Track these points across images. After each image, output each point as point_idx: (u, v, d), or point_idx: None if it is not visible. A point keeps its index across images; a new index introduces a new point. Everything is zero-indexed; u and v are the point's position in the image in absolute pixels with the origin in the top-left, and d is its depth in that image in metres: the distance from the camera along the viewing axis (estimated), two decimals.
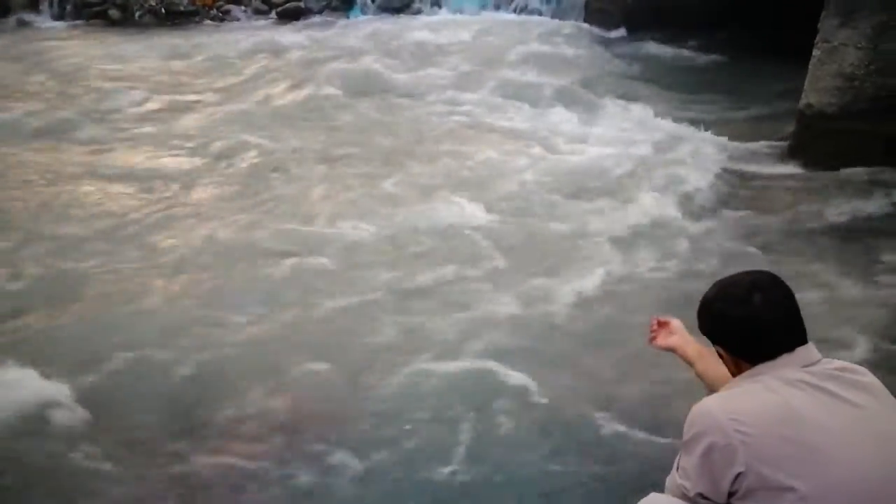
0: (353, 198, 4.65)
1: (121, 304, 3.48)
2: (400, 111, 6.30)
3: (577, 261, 3.89)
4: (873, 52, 4.79)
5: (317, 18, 9.48)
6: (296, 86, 6.86)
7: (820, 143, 5.12)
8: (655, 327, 1.95)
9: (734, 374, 1.55)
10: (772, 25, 8.03)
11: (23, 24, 9.04)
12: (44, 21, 9.15)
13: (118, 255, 3.92)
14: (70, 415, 2.73)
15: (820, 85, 5.12)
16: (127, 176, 4.97)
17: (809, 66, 5.19)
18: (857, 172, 4.84)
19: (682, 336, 1.90)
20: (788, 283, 1.54)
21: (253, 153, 5.31)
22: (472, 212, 4.39)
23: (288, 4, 9.55)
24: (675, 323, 1.93)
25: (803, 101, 5.23)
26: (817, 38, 5.10)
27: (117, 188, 4.80)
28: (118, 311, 3.42)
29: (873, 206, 4.48)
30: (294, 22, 9.33)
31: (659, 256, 3.94)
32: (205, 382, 2.94)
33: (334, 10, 9.67)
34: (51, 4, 9.27)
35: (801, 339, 1.49)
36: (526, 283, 3.66)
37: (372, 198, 4.64)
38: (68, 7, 9.29)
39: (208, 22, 9.37)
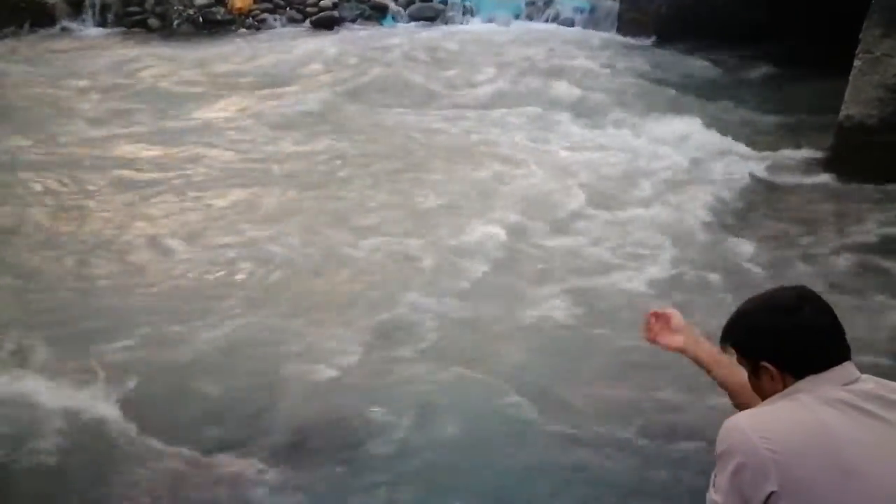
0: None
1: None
2: (437, 125, 6.29)
3: (617, 268, 3.86)
4: None
5: (350, 27, 9.58)
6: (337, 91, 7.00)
7: (859, 156, 5.01)
8: (653, 322, 1.79)
9: (770, 392, 1.50)
10: (807, 38, 7.91)
11: (66, 31, 9.29)
12: (86, 28, 9.39)
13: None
14: None
15: (861, 96, 5.01)
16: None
17: (850, 77, 5.08)
18: (893, 188, 4.72)
19: (689, 335, 1.76)
20: (824, 296, 1.50)
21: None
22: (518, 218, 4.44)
23: (322, 14, 9.67)
24: (677, 318, 1.78)
25: (843, 113, 5.12)
26: (859, 49, 5.00)
27: None
28: None
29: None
30: (328, 31, 9.43)
31: (693, 266, 3.88)
32: None
33: (367, 19, 9.76)
34: (93, 13, 9.50)
35: (846, 354, 1.45)
36: (571, 286, 3.67)
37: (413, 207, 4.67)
38: (109, 16, 9.52)
39: (243, 30, 9.52)
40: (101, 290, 3.70)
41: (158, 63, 7.90)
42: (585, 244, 4.16)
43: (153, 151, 5.56)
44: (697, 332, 1.77)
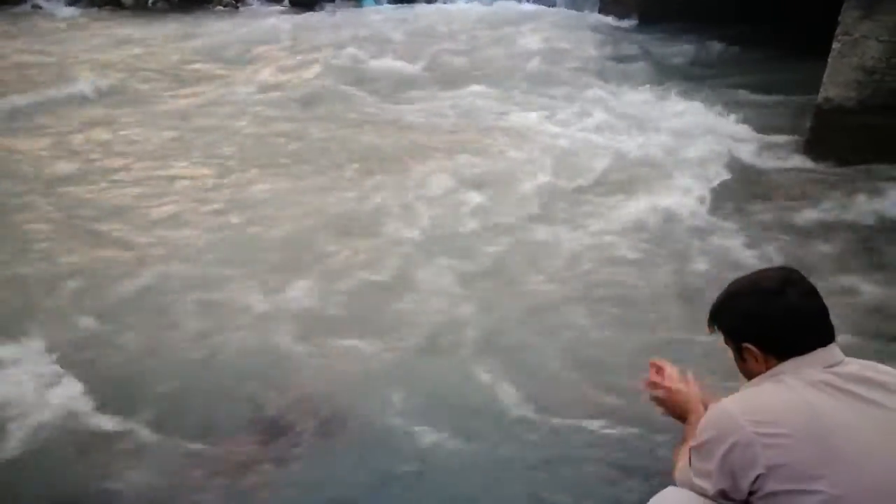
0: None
1: None
2: (415, 103, 6.24)
3: (597, 254, 3.87)
4: (893, 45, 4.71)
5: (330, 7, 9.45)
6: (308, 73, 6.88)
7: (838, 138, 5.05)
8: (655, 375, 1.84)
9: (755, 373, 1.52)
10: (788, 19, 7.96)
11: (37, 8, 9.06)
12: (56, 7, 9.16)
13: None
14: None
15: (839, 78, 5.05)
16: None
17: (829, 60, 5.11)
18: (876, 168, 4.78)
19: (691, 401, 1.76)
20: (808, 277, 1.52)
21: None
22: (502, 198, 4.46)
23: None
24: (671, 370, 1.83)
25: (822, 95, 5.16)
26: (837, 31, 5.02)
27: None
28: None
29: (891, 202, 4.41)
30: (308, 10, 9.30)
31: (673, 249, 3.91)
32: None
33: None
34: None
35: (830, 336, 1.47)
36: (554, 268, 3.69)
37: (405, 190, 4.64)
38: None
39: (220, 8, 9.36)
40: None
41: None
42: (572, 226, 4.15)
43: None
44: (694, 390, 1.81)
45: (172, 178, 4.70)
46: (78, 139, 5.24)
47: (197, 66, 7.10)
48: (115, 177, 4.73)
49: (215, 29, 8.32)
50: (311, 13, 9.23)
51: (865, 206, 4.34)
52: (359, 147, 5.26)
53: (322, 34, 8.15)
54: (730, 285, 1.58)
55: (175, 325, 3.16)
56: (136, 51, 7.42)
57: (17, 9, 8.94)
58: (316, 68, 6.90)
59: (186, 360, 2.94)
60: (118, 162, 4.94)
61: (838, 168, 4.94)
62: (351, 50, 7.31)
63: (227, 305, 3.32)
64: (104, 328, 3.13)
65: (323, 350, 3.03)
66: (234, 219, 4.18)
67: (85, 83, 6.13)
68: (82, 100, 5.95)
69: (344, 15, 9.10)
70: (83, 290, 3.40)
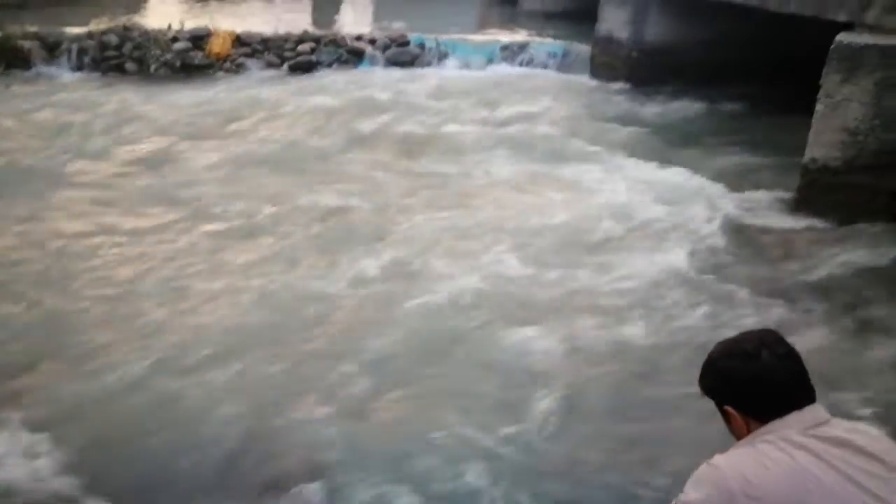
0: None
1: None
2: (416, 164, 6.34)
3: (595, 312, 3.88)
4: (876, 107, 4.85)
5: (327, 70, 9.69)
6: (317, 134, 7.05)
7: (825, 197, 5.15)
8: None
9: (739, 435, 1.52)
10: (773, 80, 8.20)
11: (41, 75, 9.26)
12: (61, 73, 9.38)
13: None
14: None
15: (824, 139, 5.18)
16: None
17: (813, 121, 5.26)
18: (863, 226, 4.85)
19: None
20: (796, 335, 1.54)
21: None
22: (500, 258, 4.47)
23: (299, 58, 9.78)
24: None
25: (808, 156, 5.28)
26: (820, 94, 5.18)
27: None
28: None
29: (878, 260, 4.47)
30: (306, 74, 9.54)
31: (667, 308, 3.93)
32: None
33: (345, 63, 9.89)
34: (69, 58, 9.51)
35: (810, 398, 1.47)
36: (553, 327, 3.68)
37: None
38: (86, 59, 9.53)
39: (221, 74, 9.58)
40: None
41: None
42: (570, 286, 4.18)
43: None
44: None
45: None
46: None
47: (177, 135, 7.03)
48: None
49: (204, 96, 8.44)
50: (309, 76, 9.46)
51: (853, 264, 4.40)
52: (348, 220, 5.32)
53: (317, 97, 8.31)
54: (713, 348, 1.60)
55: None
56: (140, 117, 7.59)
57: (26, 73, 9.16)
58: (309, 132, 7.02)
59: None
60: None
61: (827, 225, 5.02)
62: (344, 115, 7.44)
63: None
64: None
65: None
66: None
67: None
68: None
69: (341, 78, 9.32)
70: None
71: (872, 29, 5.19)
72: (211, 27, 10.10)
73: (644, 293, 4.09)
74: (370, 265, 4.30)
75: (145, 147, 6.55)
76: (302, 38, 10.11)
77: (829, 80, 5.11)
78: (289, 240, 4.71)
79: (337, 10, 16.03)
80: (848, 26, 5.43)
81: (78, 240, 4.60)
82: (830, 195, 5.12)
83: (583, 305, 3.96)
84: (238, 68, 9.69)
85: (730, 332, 1.66)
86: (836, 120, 5.08)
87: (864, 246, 4.59)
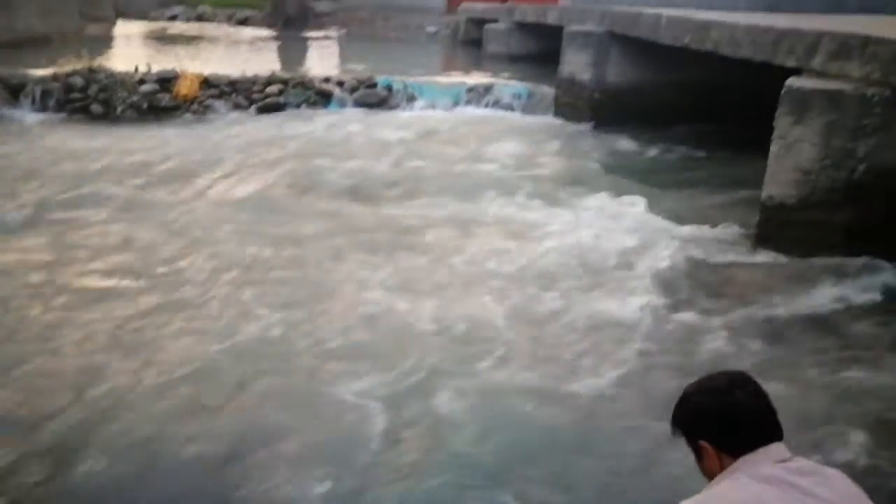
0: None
1: None
2: (376, 207, 6.34)
3: (556, 354, 3.91)
4: (826, 148, 5.07)
5: (295, 112, 9.77)
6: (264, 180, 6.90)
7: (784, 233, 5.34)
8: None
9: (715, 471, 1.58)
10: (730, 121, 8.52)
11: (4, 118, 9.15)
12: (25, 116, 9.28)
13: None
14: None
15: (779, 178, 5.38)
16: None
17: (768, 161, 5.47)
18: (820, 261, 5.02)
19: None
20: (762, 372, 1.62)
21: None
22: (456, 301, 4.45)
23: (267, 100, 9.86)
24: None
25: (765, 194, 5.48)
26: (774, 135, 5.40)
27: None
28: None
29: (835, 293, 4.63)
30: (273, 115, 9.60)
31: (632, 349, 3.98)
32: None
33: (313, 104, 10.00)
34: (33, 100, 9.44)
35: (778, 435, 1.55)
36: (515, 370, 3.69)
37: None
38: (51, 102, 9.46)
39: (189, 116, 9.59)
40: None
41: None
42: (532, 328, 4.20)
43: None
44: None
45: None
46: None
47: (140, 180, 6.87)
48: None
49: (171, 141, 8.33)
50: (277, 117, 9.52)
51: (812, 298, 4.55)
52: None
53: (284, 139, 8.34)
54: (685, 387, 1.67)
55: None
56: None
57: None
58: (272, 178, 6.93)
59: None
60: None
61: (786, 261, 5.18)
62: (313, 159, 7.44)
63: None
64: None
65: None
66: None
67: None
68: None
69: (308, 119, 9.40)
70: None
71: (819, 74, 5.46)
72: (178, 69, 10.14)
73: (608, 332, 4.13)
74: (320, 315, 4.25)
75: (110, 191, 6.45)
76: (270, 80, 10.22)
77: (782, 122, 5.34)
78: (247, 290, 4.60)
79: (304, 53, 16.26)
80: (797, 71, 5.70)
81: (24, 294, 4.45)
82: (788, 231, 5.31)
83: (545, 346, 3.98)
84: (205, 110, 9.72)
85: (698, 370, 1.74)
86: (790, 160, 5.29)
87: (821, 280, 4.75)
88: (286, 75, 10.58)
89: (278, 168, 7.21)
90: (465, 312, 4.32)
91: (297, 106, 9.89)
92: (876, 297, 4.62)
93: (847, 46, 5.30)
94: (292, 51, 16.87)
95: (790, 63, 5.89)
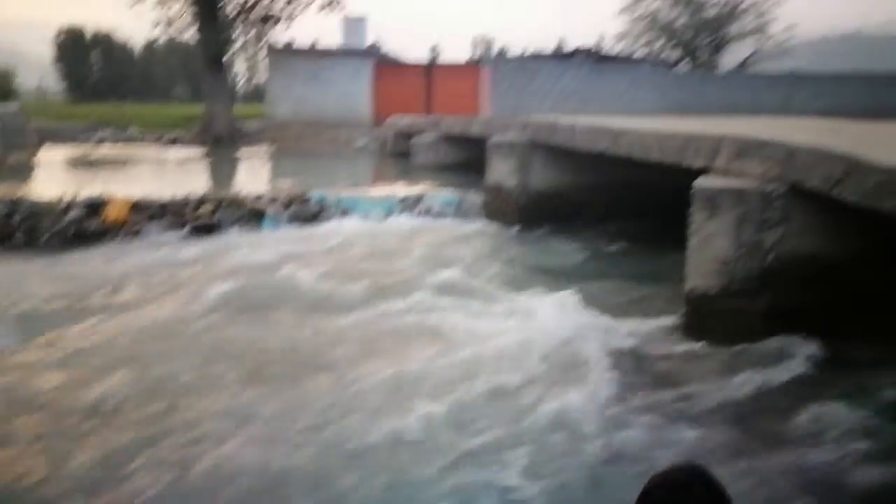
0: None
1: None
2: (309, 321, 6.26)
3: (489, 459, 3.91)
4: (737, 240, 5.46)
5: (229, 233, 9.76)
6: (190, 301, 6.70)
7: (708, 322, 5.61)
8: None
9: None
10: (651, 218, 9.04)
11: None
12: None
13: None
14: None
15: (700, 269, 5.72)
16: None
17: (687, 254, 5.82)
18: (743, 347, 5.28)
19: None
20: (700, 459, 1.71)
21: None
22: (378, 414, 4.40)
23: (200, 220, 9.85)
24: None
25: (688, 285, 5.79)
26: (691, 229, 5.78)
27: None
28: None
29: (759, 378, 4.85)
30: (206, 237, 9.56)
31: (569, 444, 4.02)
32: None
33: (247, 222, 10.03)
34: None
35: None
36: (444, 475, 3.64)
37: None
38: None
39: (118, 241, 9.43)
40: None
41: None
42: (461, 433, 4.19)
43: None
44: None
45: None
46: None
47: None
48: None
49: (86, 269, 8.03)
50: (210, 238, 9.48)
51: (741, 385, 4.74)
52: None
53: (214, 260, 8.25)
54: (645, 484, 1.74)
55: None
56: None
57: None
58: (188, 301, 6.72)
59: None
60: None
61: (712, 349, 5.41)
62: (240, 278, 7.31)
63: None
64: None
65: None
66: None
67: None
68: None
69: (241, 238, 9.40)
70: None
71: (724, 173, 5.95)
72: (106, 194, 10.07)
73: (542, 432, 4.16)
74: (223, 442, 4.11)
75: (26, 325, 6.16)
76: (203, 200, 10.25)
77: (696, 217, 5.73)
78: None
79: (236, 171, 16.47)
80: (705, 170, 6.19)
81: None
82: (713, 320, 5.59)
83: (478, 452, 3.97)
84: (136, 234, 9.60)
85: (637, 464, 1.80)
86: (708, 252, 5.64)
87: (746, 365, 4.99)
88: (219, 195, 10.64)
89: (198, 290, 7.01)
90: (387, 423, 4.24)
91: (232, 225, 9.90)
92: (797, 376, 4.87)
93: (746, 148, 5.83)
94: (224, 169, 17.06)
95: (697, 164, 6.40)
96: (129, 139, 24.67)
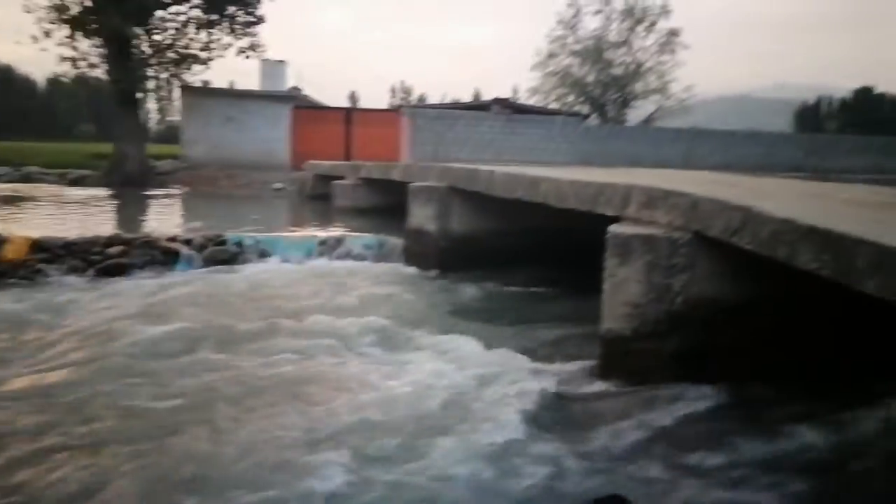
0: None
1: None
2: (216, 368, 5.98)
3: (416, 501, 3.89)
4: (648, 284, 5.73)
5: (138, 274, 9.38)
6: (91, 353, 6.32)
7: (623, 363, 5.82)
8: None
9: None
10: (568, 263, 9.35)
11: None
12: None
13: None
14: None
15: (614, 312, 5.95)
16: None
17: (602, 297, 6.05)
18: (656, 387, 5.50)
19: None
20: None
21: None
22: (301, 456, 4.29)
23: (108, 262, 9.42)
24: None
25: (603, 327, 6.00)
26: (605, 274, 6.03)
27: None
28: None
29: (668, 418, 5.06)
30: (114, 278, 9.14)
31: (493, 483, 4.05)
32: None
33: (159, 263, 9.67)
34: None
35: None
36: None
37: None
38: None
39: (13, 282, 8.87)
40: None
41: None
42: (373, 478, 4.14)
43: None
44: None
45: None
46: None
47: None
48: None
49: None
50: (117, 280, 9.06)
51: (650, 425, 4.93)
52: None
53: (120, 304, 7.85)
54: None
55: None
56: None
57: None
58: (93, 351, 6.26)
59: None
60: None
61: (627, 389, 5.60)
62: (146, 321, 7.02)
63: None
64: None
65: None
66: None
67: None
68: None
69: (151, 281, 9.02)
70: None
71: (634, 221, 6.27)
72: (2, 232, 9.50)
73: (464, 474, 4.17)
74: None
75: None
76: (111, 241, 9.82)
77: (609, 263, 5.99)
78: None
79: (147, 212, 15.88)
80: (617, 218, 6.50)
81: None
82: (626, 361, 5.80)
83: (382, 500, 3.93)
84: (35, 275, 9.07)
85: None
86: (621, 296, 5.89)
87: (657, 405, 5.19)
88: (128, 235, 10.24)
89: (98, 340, 6.61)
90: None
91: (142, 267, 9.51)
92: (703, 414, 5.11)
93: (653, 198, 6.18)
94: (134, 210, 16.43)
95: (609, 212, 6.71)
96: (28, 177, 23.44)
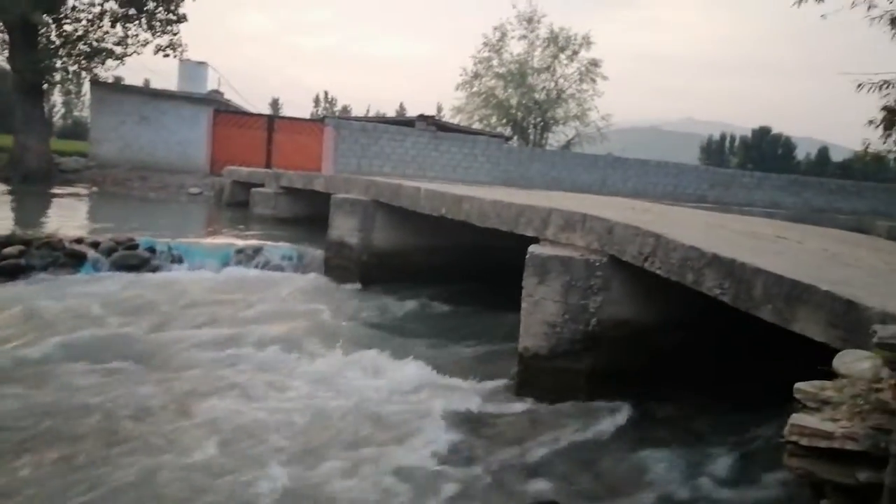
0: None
1: None
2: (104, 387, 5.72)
3: None
4: (565, 304, 5.91)
5: (39, 277, 8.84)
6: None
7: (539, 381, 5.97)
8: None
9: None
10: (490, 280, 9.49)
11: None
12: None
13: None
14: None
15: (531, 330, 6.09)
16: None
17: (521, 315, 6.19)
18: (569, 405, 5.68)
19: None
20: None
21: None
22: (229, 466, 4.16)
23: (5, 263, 8.83)
24: None
25: (521, 345, 6.14)
26: (523, 293, 6.17)
27: None
28: None
29: (580, 435, 5.23)
30: (10, 281, 8.57)
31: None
32: None
33: (62, 266, 9.14)
34: None
35: None
36: None
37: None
38: None
39: None
40: None
41: None
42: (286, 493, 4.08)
43: None
44: None
45: None
46: None
47: None
48: None
49: None
50: (15, 283, 8.51)
51: (564, 441, 5.08)
52: None
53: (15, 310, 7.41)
54: None
55: None
56: None
57: None
58: None
59: None
60: None
61: (541, 406, 5.75)
62: (44, 333, 6.61)
63: None
64: None
65: None
66: None
67: None
68: None
69: (53, 285, 8.53)
70: None
71: (553, 243, 6.47)
72: None
73: (372, 494, 4.16)
74: None
75: None
76: (8, 241, 9.21)
77: (528, 282, 6.14)
78: None
79: (49, 211, 14.99)
80: (537, 239, 6.68)
81: None
82: (542, 379, 5.95)
83: None
84: None
85: None
86: (538, 315, 6.05)
87: (569, 423, 5.36)
88: (28, 235, 9.63)
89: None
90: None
91: (44, 269, 8.95)
92: (615, 431, 5.31)
93: (571, 221, 6.39)
94: (35, 209, 15.47)
95: (529, 233, 6.89)
96: None
